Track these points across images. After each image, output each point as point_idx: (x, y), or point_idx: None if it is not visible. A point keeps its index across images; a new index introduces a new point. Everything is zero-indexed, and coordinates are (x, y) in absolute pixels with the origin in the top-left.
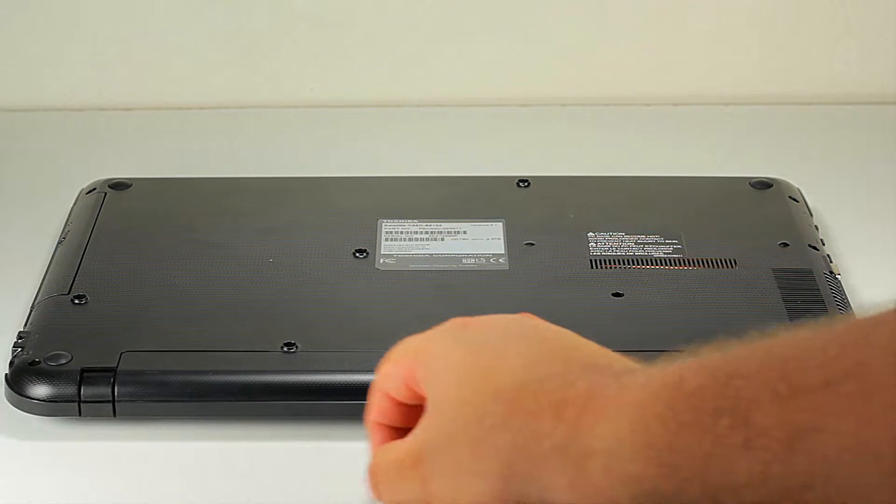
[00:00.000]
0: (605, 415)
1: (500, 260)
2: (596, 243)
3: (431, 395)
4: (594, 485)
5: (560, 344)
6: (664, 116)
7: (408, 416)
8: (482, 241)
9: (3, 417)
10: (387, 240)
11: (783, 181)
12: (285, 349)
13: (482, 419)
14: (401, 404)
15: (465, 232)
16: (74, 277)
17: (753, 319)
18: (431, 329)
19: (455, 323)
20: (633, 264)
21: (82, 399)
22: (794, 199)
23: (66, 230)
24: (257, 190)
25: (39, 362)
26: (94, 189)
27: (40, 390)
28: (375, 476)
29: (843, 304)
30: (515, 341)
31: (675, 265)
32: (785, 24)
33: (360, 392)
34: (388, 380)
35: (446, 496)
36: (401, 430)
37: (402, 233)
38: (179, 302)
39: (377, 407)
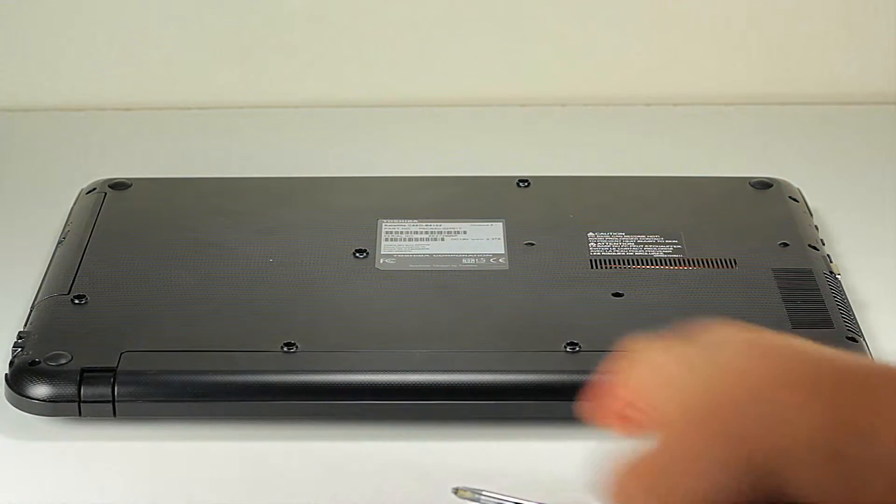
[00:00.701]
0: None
1: (500, 260)
2: (596, 243)
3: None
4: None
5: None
6: (664, 116)
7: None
8: (482, 241)
9: (3, 417)
10: (387, 240)
11: (783, 181)
12: (285, 349)
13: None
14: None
15: (465, 232)
16: (74, 277)
17: (753, 319)
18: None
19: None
20: (633, 264)
21: (82, 399)
22: (794, 199)
23: (66, 230)
24: (257, 190)
25: (39, 362)
26: (94, 189)
27: (40, 390)
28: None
29: (843, 304)
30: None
31: (675, 265)
32: (785, 24)
33: (360, 392)
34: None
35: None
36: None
37: (402, 233)
38: (179, 302)
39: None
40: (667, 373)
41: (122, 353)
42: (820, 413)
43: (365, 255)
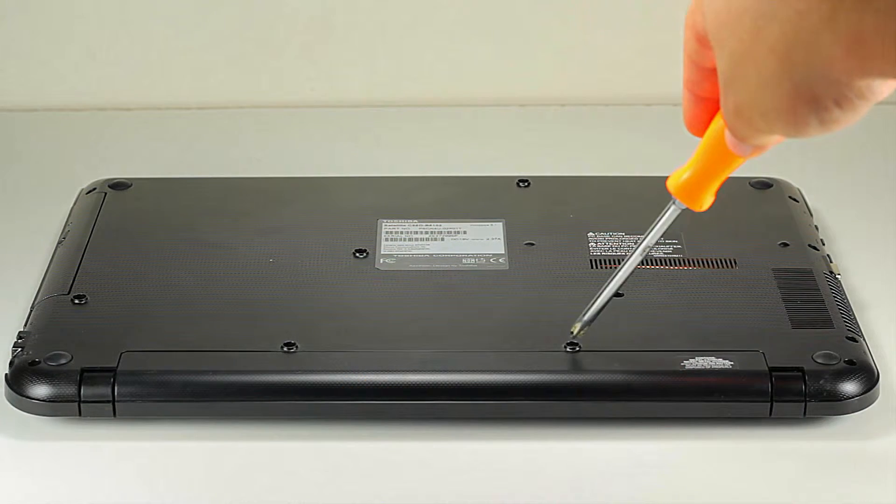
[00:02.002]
0: None
1: (500, 260)
2: (596, 243)
3: (711, 31)
4: (868, 48)
5: None
6: (664, 116)
7: (706, 82)
8: (482, 241)
9: (3, 417)
10: (387, 240)
11: (783, 181)
12: (285, 349)
13: (753, 25)
14: (701, 69)
15: (465, 232)
16: (74, 277)
17: (753, 319)
18: None
19: None
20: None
21: (82, 399)
22: (794, 199)
23: (66, 230)
24: (257, 190)
25: (39, 362)
26: (94, 189)
27: (40, 390)
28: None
29: (843, 304)
30: None
31: (675, 265)
32: None
33: (360, 392)
34: (686, 43)
35: (752, 114)
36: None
37: (402, 233)
38: (179, 302)
39: (688, 74)
40: None
41: (122, 353)
42: None
43: (365, 255)
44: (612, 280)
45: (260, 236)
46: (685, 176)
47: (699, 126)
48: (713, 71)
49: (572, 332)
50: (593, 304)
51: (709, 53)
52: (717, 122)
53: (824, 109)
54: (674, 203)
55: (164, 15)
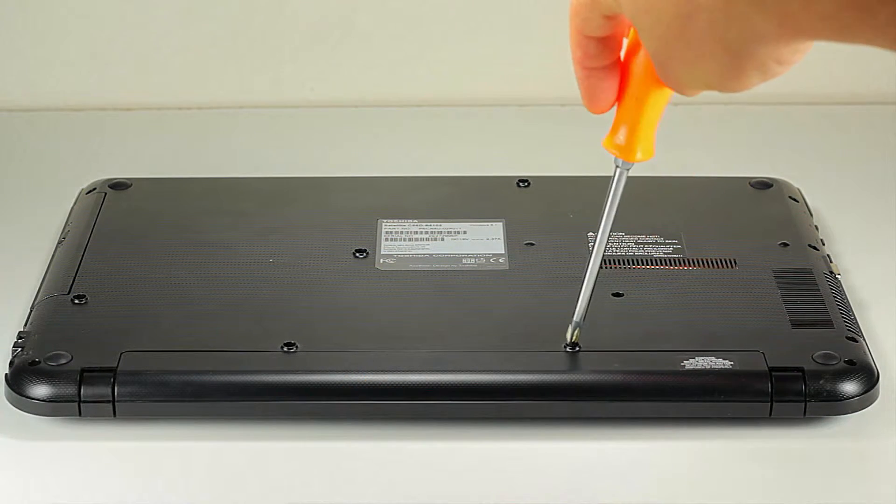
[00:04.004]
0: None
1: (500, 260)
2: None
3: (630, 15)
4: (799, 22)
5: None
6: (664, 116)
7: (607, 50)
8: (482, 241)
9: (3, 417)
10: (387, 240)
11: (783, 181)
12: (285, 349)
13: (677, 12)
14: (600, 40)
15: (465, 232)
16: (74, 277)
17: (753, 319)
18: None
19: None
20: (633, 264)
21: (82, 399)
22: (794, 199)
23: (66, 230)
24: (257, 190)
25: (39, 362)
26: (94, 189)
27: (40, 390)
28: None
29: (843, 304)
30: None
31: (675, 265)
32: None
33: (360, 392)
34: (585, 22)
35: (694, 82)
36: (606, 69)
37: (402, 233)
38: (179, 302)
39: (584, 52)
40: None
41: (122, 353)
42: None
43: (365, 255)
44: (587, 272)
45: (260, 236)
46: (623, 132)
47: (604, 98)
48: (612, 37)
49: (567, 340)
50: (579, 303)
51: (609, 22)
52: (636, 67)
53: (767, 70)
54: (618, 165)
55: (163, 15)
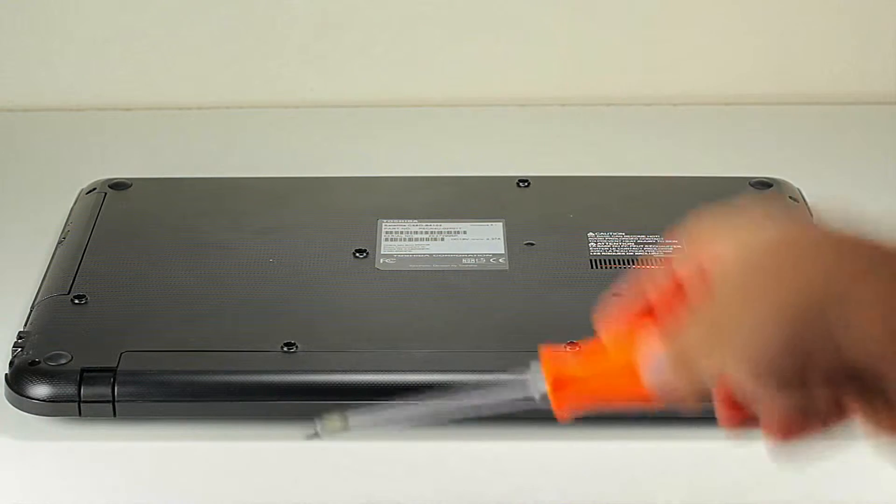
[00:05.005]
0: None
1: (500, 260)
2: (596, 243)
3: (713, 273)
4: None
5: None
6: (664, 116)
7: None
8: (482, 241)
9: (3, 417)
10: (387, 240)
11: (783, 181)
12: (285, 349)
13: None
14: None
15: (465, 232)
16: (74, 277)
17: None
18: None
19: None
20: (633, 264)
21: (82, 399)
22: (794, 199)
23: (66, 230)
24: (257, 190)
25: (39, 362)
26: (94, 189)
27: (40, 390)
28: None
29: None
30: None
31: None
32: (785, 24)
33: (360, 392)
34: (685, 264)
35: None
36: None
37: (402, 233)
38: (179, 302)
39: (660, 287)
40: (728, 230)
41: (122, 353)
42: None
43: (365, 255)
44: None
45: (260, 236)
46: (574, 374)
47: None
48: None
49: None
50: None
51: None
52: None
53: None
54: (531, 379)
55: (164, 15)
